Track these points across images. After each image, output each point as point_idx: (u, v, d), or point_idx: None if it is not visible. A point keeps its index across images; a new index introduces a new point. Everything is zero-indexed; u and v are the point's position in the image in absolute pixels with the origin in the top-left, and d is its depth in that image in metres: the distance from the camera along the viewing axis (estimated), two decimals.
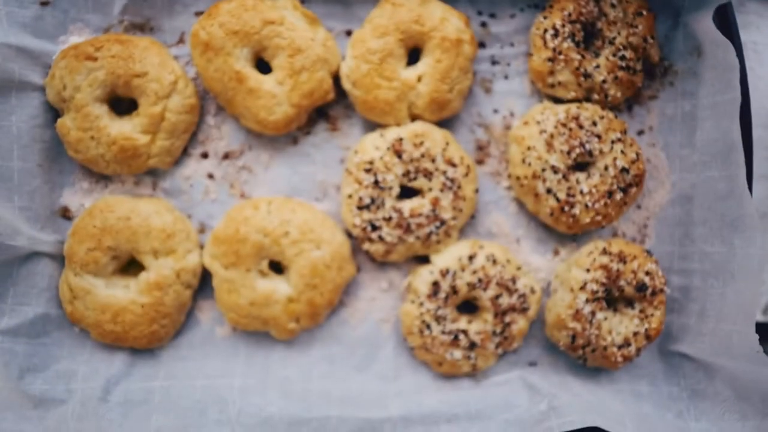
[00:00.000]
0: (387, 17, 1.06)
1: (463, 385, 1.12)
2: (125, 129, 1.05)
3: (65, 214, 1.10)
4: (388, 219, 1.06)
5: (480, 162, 1.15)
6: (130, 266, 1.10)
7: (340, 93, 1.13)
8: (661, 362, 1.16)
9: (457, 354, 1.09)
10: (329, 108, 1.14)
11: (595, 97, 1.11)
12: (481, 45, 1.15)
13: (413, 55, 1.10)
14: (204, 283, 1.12)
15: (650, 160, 1.16)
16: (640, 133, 1.17)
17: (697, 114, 1.12)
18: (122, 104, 1.09)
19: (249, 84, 1.04)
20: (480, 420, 1.07)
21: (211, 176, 1.12)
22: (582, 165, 1.10)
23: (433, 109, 1.08)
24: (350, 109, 1.14)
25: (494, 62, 1.15)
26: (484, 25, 1.14)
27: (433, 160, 1.07)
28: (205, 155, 1.12)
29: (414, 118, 1.10)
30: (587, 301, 1.07)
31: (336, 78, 1.10)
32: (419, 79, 1.07)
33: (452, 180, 1.07)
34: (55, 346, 1.08)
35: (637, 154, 1.09)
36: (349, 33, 1.13)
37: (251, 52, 1.05)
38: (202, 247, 1.10)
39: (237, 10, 1.04)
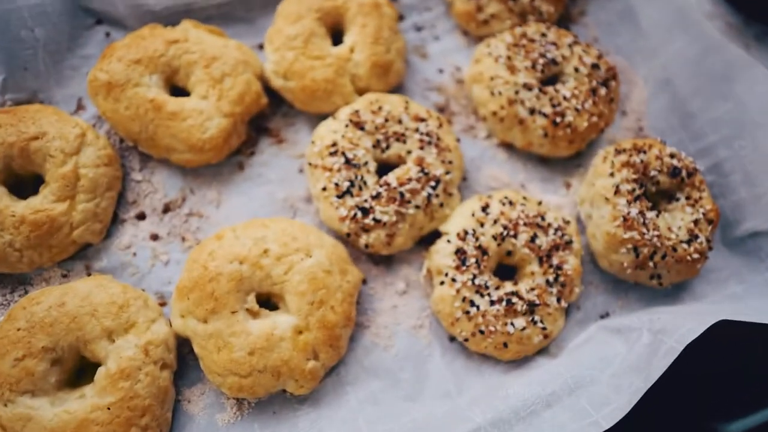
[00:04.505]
0: (296, 3, 0.98)
1: (542, 364, 0.88)
2: (33, 203, 0.85)
3: None
4: (377, 196, 0.89)
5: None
6: (80, 377, 0.82)
7: (275, 103, 1.01)
8: (737, 256, 0.99)
9: (520, 322, 0.87)
10: (266, 122, 1.01)
11: (531, 18, 1.06)
12: (400, 18, 1.09)
13: (337, 39, 1.02)
14: (183, 366, 0.86)
15: None
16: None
17: (631, 5, 1.09)
18: (24, 189, 0.90)
19: (168, 108, 0.90)
20: (584, 388, 0.82)
21: (155, 237, 0.92)
22: (552, 78, 1.01)
23: (378, 74, 0.98)
24: (289, 116, 1.01)
25: (418, 29, 1.09)
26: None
27: (400, 121, 0.94)
28: (141, 216, 0.93)
29: (361, 92, 0.99)
30: (629, 203, 0.91)
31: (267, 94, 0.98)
32: (352, 50, 0.97)
33: (428, 134, 0.93)
34: None
35: (599, 52, 1.02)
36: (261, 47, 1.04)
37: (161, 77, 0.92)
38: (169, 324, 0.86)
39: (133, 41, 0.92)
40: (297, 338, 0.82)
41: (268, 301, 0.87)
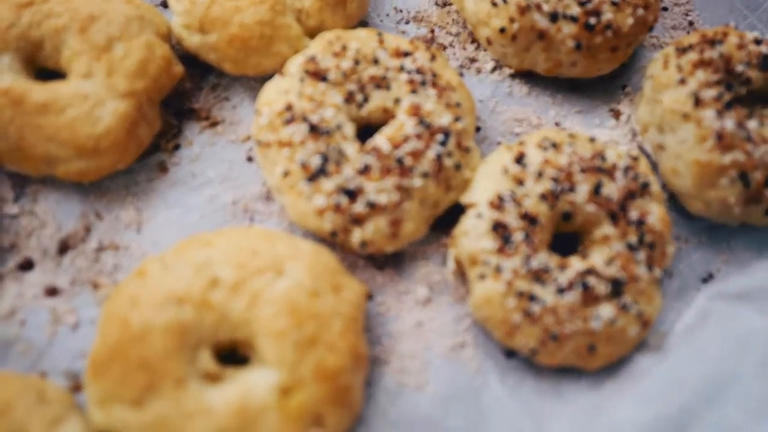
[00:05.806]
0: None
1: (646, 367, 0.61)
2: None
3: None
4: (365, 170, 0.60)
5: None
6: None
7: (197, 73, 0.72)
8: None
9: (606, 311, 0.59)
10: (189, 101, 0.72)
11: None
12: None
13: None
14: None
15: None
16: None
17: None
18: None
19: (35, 99, 0.60)
20: (726, 391, 0.55)
21: (52, 291, 0.62)
22: None
23: (332, 5, 0.69)
24: (221, 87, 0.73)
25: None
26: None
27: (376, 61, 0.66)
28: (26, 265, 0.63)
29: (313, 33, 0.70)
30: (719, 114, 0.64)
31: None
32: None
33: (419, 71, 0.65)
34: None
35: None
36: (164, 4, 0.76)
37: (17, 57, 0.64)
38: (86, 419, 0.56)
39: None
40: (286, 402, 0.53)
41: (234, 353, 0.58)
